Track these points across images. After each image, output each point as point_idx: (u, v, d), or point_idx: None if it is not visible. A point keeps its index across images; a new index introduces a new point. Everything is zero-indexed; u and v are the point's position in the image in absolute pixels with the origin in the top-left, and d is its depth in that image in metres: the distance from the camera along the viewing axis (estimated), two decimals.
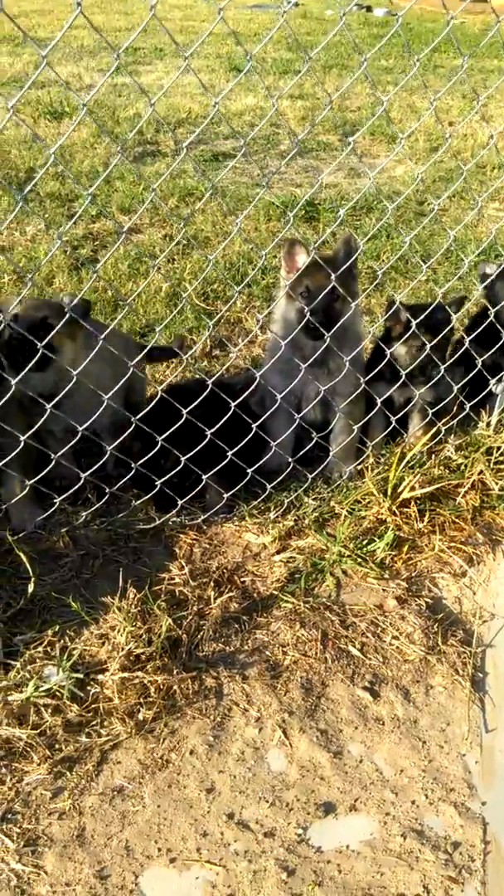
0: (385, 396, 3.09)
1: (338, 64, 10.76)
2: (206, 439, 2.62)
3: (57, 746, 2.05)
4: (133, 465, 2.60)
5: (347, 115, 8.55)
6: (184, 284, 4.56)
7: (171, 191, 6.02)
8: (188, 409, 2.52)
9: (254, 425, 2.79)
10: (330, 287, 2.66)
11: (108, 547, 2.80)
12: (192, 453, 2.62)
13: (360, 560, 2.73)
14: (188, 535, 2.88)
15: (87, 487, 2.81)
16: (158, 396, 2.92)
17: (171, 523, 2.87)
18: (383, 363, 2.98)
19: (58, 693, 2.13)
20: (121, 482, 2.74)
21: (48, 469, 2.53)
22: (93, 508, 2.78)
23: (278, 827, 1.94)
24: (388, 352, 2.97)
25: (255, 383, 2.84)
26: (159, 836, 1.90)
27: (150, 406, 2.90)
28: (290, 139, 7.56)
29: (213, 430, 2.60)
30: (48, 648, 2.29)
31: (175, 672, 2.25)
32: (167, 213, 5.67)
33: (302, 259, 2.89)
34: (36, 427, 2.53)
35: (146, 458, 2.68)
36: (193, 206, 5.88)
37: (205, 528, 2.93)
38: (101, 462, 2.66)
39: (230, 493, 2.84)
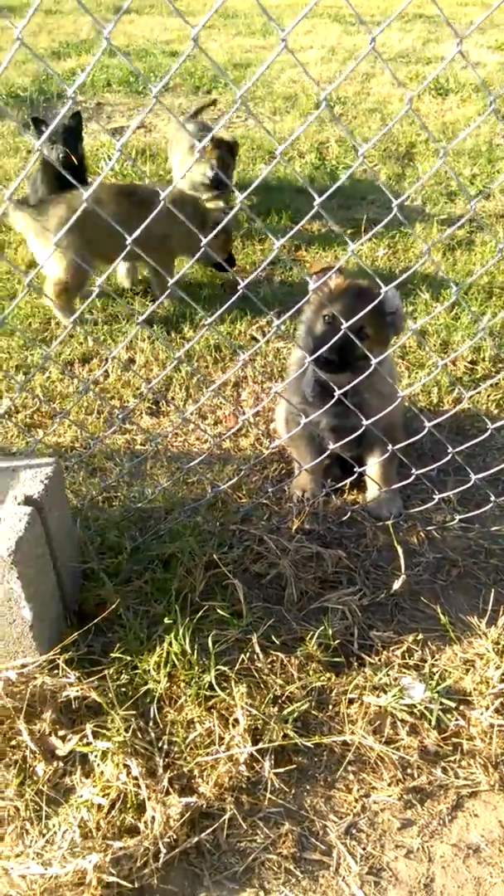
0: None
1: None
2: None
3: (409, 772, 1.82)
4: None
5: None
6: None
7: None
8: None
9: None
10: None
11: (468, 557, 2.50)
12: None
13: None
14: None
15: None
16: None
17: None
18: None
19: (418, 712, 1.90)
20: None
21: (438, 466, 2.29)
22: (466, 515, 2.48)
23: None
24: None
25: None
26: None
27: None
28: None
29: None
30: (406, 656, 2.08)
31: None
32: None
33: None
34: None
35: None
36: None
37: None
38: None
39: None
